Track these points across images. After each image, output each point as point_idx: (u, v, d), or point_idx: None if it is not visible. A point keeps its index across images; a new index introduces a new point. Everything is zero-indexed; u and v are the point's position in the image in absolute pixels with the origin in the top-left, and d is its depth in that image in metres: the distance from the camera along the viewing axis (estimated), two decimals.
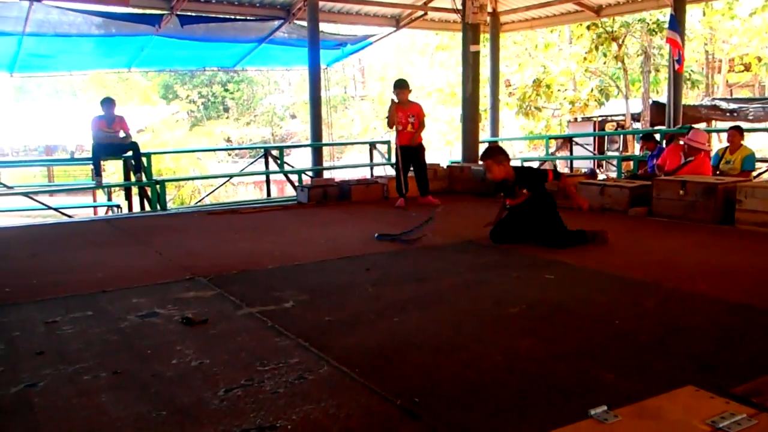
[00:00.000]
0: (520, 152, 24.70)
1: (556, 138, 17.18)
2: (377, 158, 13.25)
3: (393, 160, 9.12)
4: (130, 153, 9.72)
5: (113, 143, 9.60)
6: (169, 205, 12.89)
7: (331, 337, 3.14)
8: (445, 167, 10.34)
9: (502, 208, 5.79)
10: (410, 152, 8.26)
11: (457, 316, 3.52)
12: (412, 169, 8.42)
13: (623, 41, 20.84)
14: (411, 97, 8.44)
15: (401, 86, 8.27)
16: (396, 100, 8.21)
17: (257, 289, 4.13)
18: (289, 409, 2.35)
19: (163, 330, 3.31)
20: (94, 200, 12.57)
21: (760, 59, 25.50)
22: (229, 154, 28.78)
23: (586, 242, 5.45)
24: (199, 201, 15.07)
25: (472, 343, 3.06)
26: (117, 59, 13.06)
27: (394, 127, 8.21)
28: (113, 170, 16.38)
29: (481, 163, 5.84)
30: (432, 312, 3.59)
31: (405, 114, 8.19)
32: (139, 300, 3.86)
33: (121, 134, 9.67)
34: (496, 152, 5.63)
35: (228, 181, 15.54)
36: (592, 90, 23.45)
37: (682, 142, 8.23)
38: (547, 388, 2.51)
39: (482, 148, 13.22)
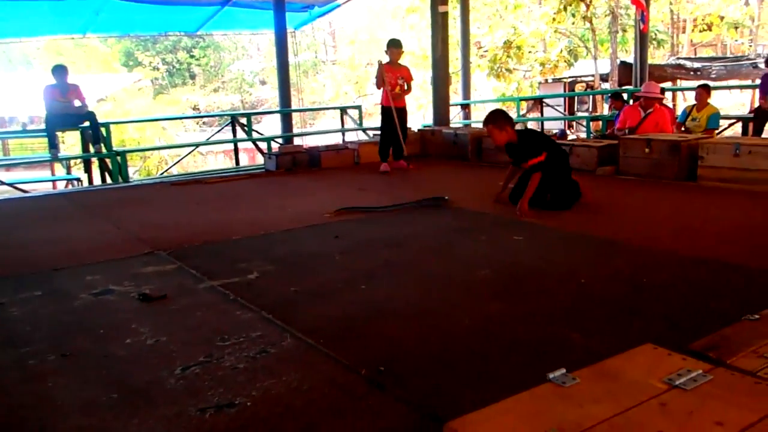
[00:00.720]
0: None
1: (527, 100, 17.09)
2: (349, 123, 13.04)
3: (372, 125, 8.78)
4: (87, 123, 9.37)
5: (68, 113, 9.20)
6: (135, 176, 12.62)
7: (296, 309, 3.02)
8: (416, 131, 10.20)
9: (510, 174, 5.64)
10: (396, 113, 8.03)
11: (426, 281, 3.43)
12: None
13: (591, 1, 20.73)
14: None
15: (395, 45, 8.09)
16: (386, 61, 8.02)
17: (221, 261, 3.97)
18: (249, 384, 2.24)
19: (118, 308, 3.15)
20: (53, 174, 12.15)
21: (722, 18, 25.69)
22: (197, 123, 28.30)
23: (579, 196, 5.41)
24: (165, 171, 14.74)
25: (440, 308, 2.98)
26: (71, 24, 12.56)
27: (383, 88, 7.99)
28: (73, 142, 15.95)
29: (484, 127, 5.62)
30: (401, 278, 3.50)
31: (395, 75, 8.00)
32: (93, 277, 3.68)
33: (77, 104, 9.27)
34: (497, 117, 5.43)
35: (195, 150, 15.25)
36: (561, 51, 23.41)
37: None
38: (514, 352, 2.45)
39: (453, 111, 13.28)
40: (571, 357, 2.35)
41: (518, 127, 5.66)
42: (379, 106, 8.37)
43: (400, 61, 8.11)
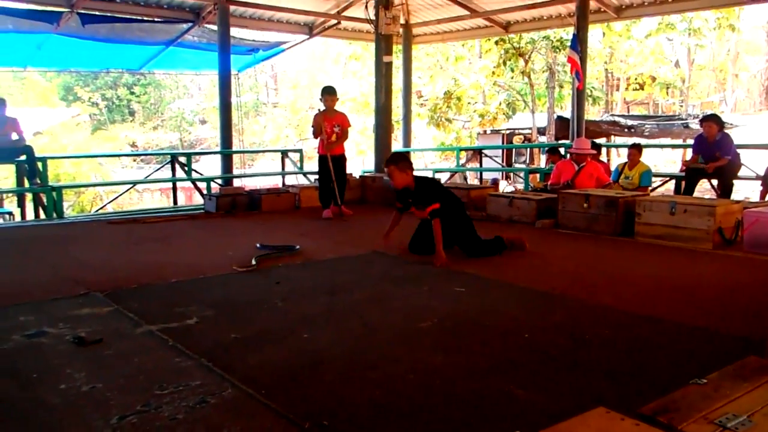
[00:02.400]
0: (432, 163, 25.04)
1: (466, 150, 17.46)
2: (289, 167, 13.04)
3: (313, 169, 8.73)
4: (23, 157, 9.13)
5: (4, 147, 8.96)
6: (68, 213, 12.26)
7: (237, 356, 2.98)
8: (357, 177, 10.28)
9: (396, 218, 5.78)
10: (333, 161, 8.09)
11: (368, 331, 3.43)
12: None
13: (530, 57, 21.49)
14: (319, 106, 8.30)
15: (329, 92, 8.14)
16: (322, 108, 8.08)
17: (158, 304, 3.90)
18: None
19: (52, 351, 3.05)
20: None
21: (654, 79, 26.99)
22: (134, 160, 27.76)
23: (504, 249, 5.56)
24: (100, 208, 14.37)
25: (383, 360, 2.97)
26: (12, 57, 12.25)
27: (320, 137, 8.07)
28: (5, 175, 15.43)
29: (385, 169, 5.76)
30: (343, 327, 3.49)
31: (330, 123, 8.06)
32: (26, 318, 3.56)
33: (14, 137, 9.05)
34: (399, 159, 5.57)
35: (132, 188, 14.95)
36: (500, 103, 24.10)
37: (569, 156, 8.62)
38: (458, 408, 2.44)
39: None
40: (516, 413, 2.38)
41: (428, 174, 5.80)
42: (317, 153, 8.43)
43: (336, 107, 8.18)
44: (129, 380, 2.69)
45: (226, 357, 2.96)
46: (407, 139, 15.02)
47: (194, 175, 11.62)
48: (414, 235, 5.65)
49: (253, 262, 5.07)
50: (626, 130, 18.74)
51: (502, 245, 5.60)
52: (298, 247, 5.70)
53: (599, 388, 2.62)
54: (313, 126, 8.21)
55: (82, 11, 10.54)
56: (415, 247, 5.58)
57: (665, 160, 23.72)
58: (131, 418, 2.33)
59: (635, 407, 2.31)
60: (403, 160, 5.56)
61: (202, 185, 11.27)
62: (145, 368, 2.83)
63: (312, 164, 15.58)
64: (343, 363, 2.92)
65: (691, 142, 9.76)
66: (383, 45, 10.24)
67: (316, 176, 8.86)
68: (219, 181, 11.49)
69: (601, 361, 2.94)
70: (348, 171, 8.71)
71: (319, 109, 8.18)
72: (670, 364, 2.91)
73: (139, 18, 11.55)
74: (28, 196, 9.69)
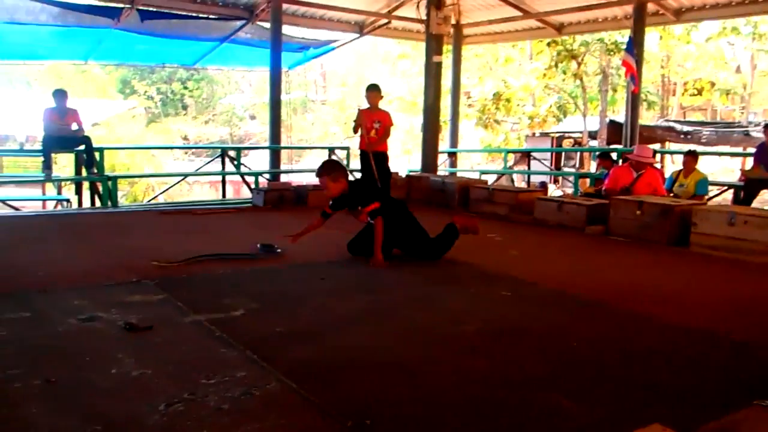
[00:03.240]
0: (478, 164, 24.90)
1: (514, 152, 17.30)
2: None
3: (358, 165, 8.71)
4: (82, 147, 9.44)
5: (65, 136, 9.31)
6: (121, 201, 12.57)
7: (281, 350, 3.01)
8: (403, 176, 10.29)
9: (318, 223, 5.40)
10: (375, 159, 8.06)
11: (411, 331, 3.42)
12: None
13: (582, 59, 21.19)
14: (367, 104, 8.31)
15: (372, 89, 8.23)
16: (366, 106, 8.13)
17: (206, 294, 3.97)
18: (233, 428, 2.22)
19: (104, 336, 3.13)
20: (43, 193, 12.17)
21: (713, 84, 26.16)
22: (186, 153, 28.28)
23: (457, 237, 5.33)
24: (152, 199, 14.70)
25: (425, 361, 2.95)
26: (74, 51, 12.69)
27: (359, 132, 8.09)
28: (65, 163, 15.91)
29: (317, 179, 5.30)
30: (386, 326, 3.49)
31: (371, 119, 8.09)
32: (80, 302, 3.66)
33: (74, 127, 9.38)
34: (331, 168, 5.19)
35: (183, 179, 15.22)
36: (550, 106, 23.81)
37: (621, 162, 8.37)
38: (504, 416, 2.40)
39: (442, 158, 13.42)
40: (565, 426, 2.31)
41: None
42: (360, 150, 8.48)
43: (379, 105, 8.22)
44: (177, 368, 2.75)
45: (270, 350, 2.99)
46: (454, 140, 14.98)
47: (243, 169, 11.82)
48: (356, 235, 5.38)
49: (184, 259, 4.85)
50: (682, 136, 18.23)
51: (454, 234, 5.32)
52: (279, 249, 5.37)
53: (653, 404, 2.53)
54: (354, 122, 8.24)
55: (142, 7, 10.82)
56: (354, 247, 5.31)
57: (722, 168, 22.99)
58: (178, 405, 2.37)
59: (693, 427, 2.16)
60: (333, 169, 5.17)
61: (250, 179, 11.45)
62: (193, 357, 2.88)
63: (357, 162, 15.66)
64: (386, 362, 2.91)
65: (752, 150, 9.46)
66: (433, 45, 10.24)
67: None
68: (267, 175, 11.66)
69: (653, 376, 2.82)
70: (394, 170, 8.70)
71: (359, 107, 8.21)
72: (731, 382, 2.78)
73: (195, 15, 11.82)
74: (85, 185, 10.00)
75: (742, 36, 21.96)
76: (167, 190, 13.73)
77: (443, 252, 5.32)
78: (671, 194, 8.33)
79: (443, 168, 13.94)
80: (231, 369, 2.74)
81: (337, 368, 2.81)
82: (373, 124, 8.10)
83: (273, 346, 3.06)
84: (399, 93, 26.97)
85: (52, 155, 9.66)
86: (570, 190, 14.11)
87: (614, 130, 17.76)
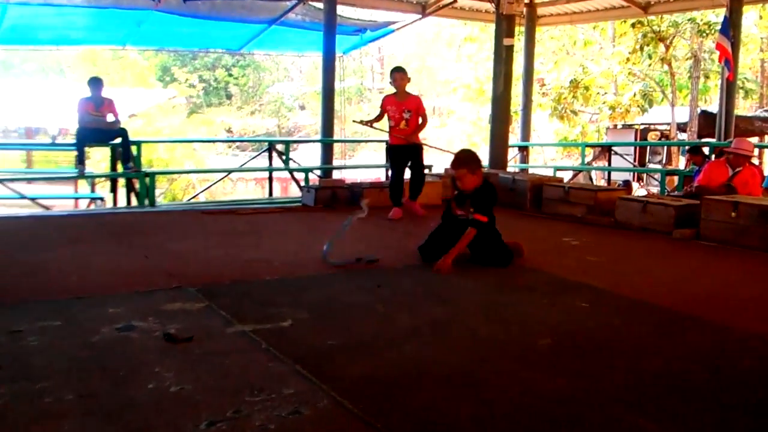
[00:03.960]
0: (552, 159, 24.61)
1: (593, 146, 17.01)
2: None
3: (425, 162, 8.32)
4: (118, 140, 9.63)
5: (100, 128, 9.51)
6: (159, 200, 12.85)
7: (333, 365, 3.01)
8: None
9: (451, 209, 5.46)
10: (404, 152, 7.66)
11: (479, 344, 3.40)
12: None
13: (671, 42, 20.70)
14: (430, 92, 8.20)
15: (399, 70, 7.60)
16: (392, 92, 7.66)
17: (252, 303, 4.01)
18: None
19: (141, 347, 3.18)
20: (76, 191, 12.48)
21: None
22: (229, 147, 28.78)
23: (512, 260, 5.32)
24: (193, 197, 15.00)
25: (493, 378, 2.93)
26: (111, 35, 13.02)
27: (387, 123, 7.70)
28: (99, 158, 16.31)
29: (452, 171, 5.39)
30: (449, 339, 3.47)
31: (399, 108, 7.54)
32: (116, 310, 3.74)
33: (110, 118, 9.58)
34: (472, 159, 5.29)
35: (226, 176, 15.47)
36: (634, 95, 23.30)
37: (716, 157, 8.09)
38: None
39: (512, 153, 13.28)
40: None
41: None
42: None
43: (407, 89, 7.64)
44: (219, 383, 2.77)
45: (321, 365, 2.99)
46: (526, 132, 14.81)
47: (292, 164, 11.91)
48: (431, 238, 5.38)
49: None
50: None
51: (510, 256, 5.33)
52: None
53: (745, 429, 2.48)
54: (380, 109, 7.82)
55: None
56: (426, 252, 5.30)
57: None
58: (221, 424, 2.39)
59: None
60: (475, 160, 5.31)
61: (300, 176, 11.52)
62: (237, 371, 2.91)
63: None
64: (448, 381, 2.89)
65: None
66: (504, 26, 10.14)
67: (427, 168, 8.67)
68: (318, 172, 11.72)
69: (746, 397, 2.78)
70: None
71: (387, 94, 7.74)
72: None
73: None
74: (121, 182, 10.21)
75: None
76: (209, 187, 14.00)
77: (512, 258, 5.29)
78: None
79: (513, 164, 13.80)
80: (278, 385, 2.75)
81: (395, 384, 2.80)
82: (402, 114, 7.52)
83: (325, 361, 3.05)
84: (465, 80, 26.86)
85: (86, 149, 9.87)
86: (656, 189, 13.78)
87: (707, 121, 17.26)
